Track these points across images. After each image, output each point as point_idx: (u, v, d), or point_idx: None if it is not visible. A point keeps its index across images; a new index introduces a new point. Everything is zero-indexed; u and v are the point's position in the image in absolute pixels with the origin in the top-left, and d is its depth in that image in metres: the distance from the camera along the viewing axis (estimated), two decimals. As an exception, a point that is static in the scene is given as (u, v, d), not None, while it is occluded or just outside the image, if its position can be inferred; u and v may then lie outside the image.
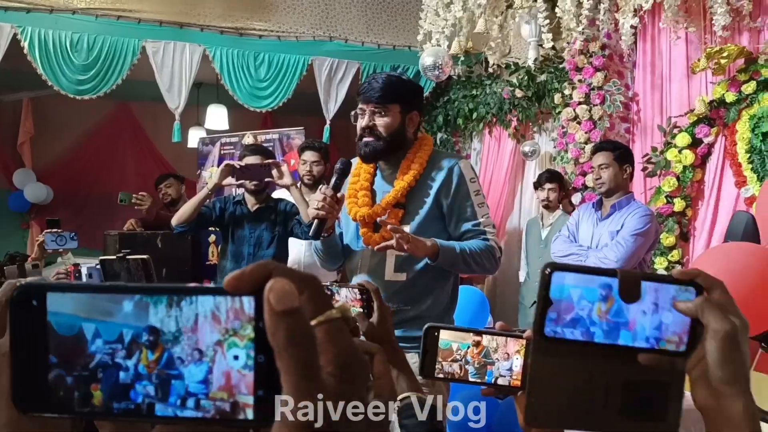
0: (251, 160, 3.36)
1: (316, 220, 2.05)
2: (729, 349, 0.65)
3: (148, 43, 5.12)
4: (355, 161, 2.27)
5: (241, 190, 3.39)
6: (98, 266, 3.07)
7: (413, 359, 1.87)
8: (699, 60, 3.96)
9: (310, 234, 2.09)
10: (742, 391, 0.66)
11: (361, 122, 2.15)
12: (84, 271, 3.14)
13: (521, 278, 4.90)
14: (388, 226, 2.00)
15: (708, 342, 0.65)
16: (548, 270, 0.67)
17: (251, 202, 3.38)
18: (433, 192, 2.15)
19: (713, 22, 3.57)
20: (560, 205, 4.68)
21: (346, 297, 1.34)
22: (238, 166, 3.12)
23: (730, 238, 3.25)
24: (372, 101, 2.13)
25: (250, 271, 0.43)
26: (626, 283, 0.66)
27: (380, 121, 2.13)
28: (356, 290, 1.33)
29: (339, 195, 2.06)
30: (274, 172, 3.11)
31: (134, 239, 4.85)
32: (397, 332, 2.01)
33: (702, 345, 0.66)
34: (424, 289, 2.16)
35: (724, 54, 3.78)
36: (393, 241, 1.97)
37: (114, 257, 2.46)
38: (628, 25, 3.93)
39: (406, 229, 2.10)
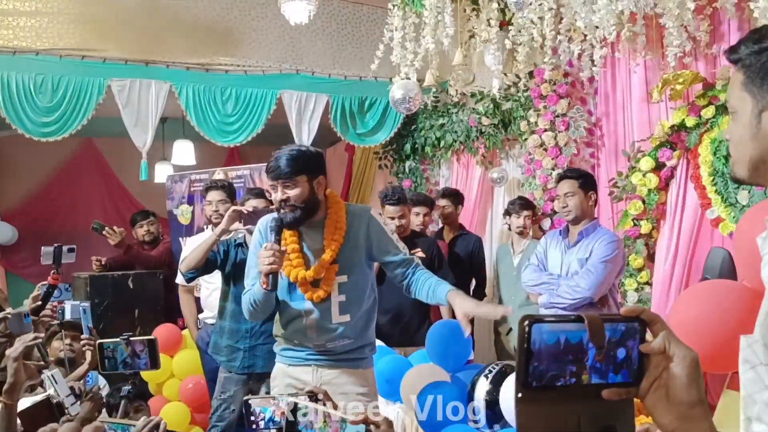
0: (256, 203, 3.40)
1: (271, 275, 2.33)
2: (695, 373, 0.74)
3: (113, 81, 5.09)
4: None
5: (241, 234, 3.40)
6: (82, 306, 3.01)
7: (360, 373, 2.49)
8: (657, 86, 4.07)
9: (270, 288, 2.35)
10: (706, 412, 0.75)
11: (276, 196, 2.43)
12: (68, 308, 3.08)
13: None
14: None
15: (675, 369, 0.74)
16: (527, 323, 0.72)
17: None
18: (361, 243, 2.49)
19: (666, 51, 3.68)
20: (530, 233, 4.73)
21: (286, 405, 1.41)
22: (245, 211, 3.15)
23: (708, 274, 3.33)
24: (281, 178, 2.40)
25: None
26: (594, 329, 0.73)
27: (292, 194, 2.39)
28: (306, 398, 1.41)
29: (282, 249, 2.38)
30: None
31: (105, 281, 4.80)
32: (340, 359, 2.50)
33: (653, 374, 0.75)
34: (364, 323, 2.55)
35: (680, 80, 3.90)
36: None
37: (118, 340, 2.39)
38: (597, 56, 4.03)
39: (343, 278, 2.46)
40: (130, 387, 2.36)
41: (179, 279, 4.03)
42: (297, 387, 2.53)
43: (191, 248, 3.47)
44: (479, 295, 4.95)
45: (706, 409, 0.76)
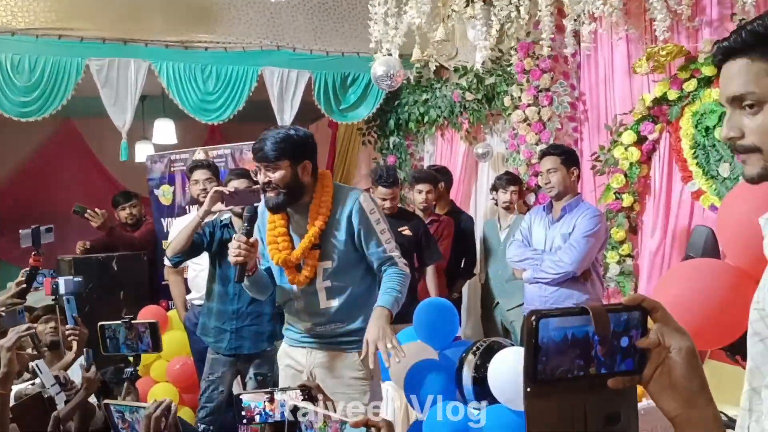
0: (238, 184, 3.37)
1: (238, 266, 2.35)
2: (693, 361, 0.75)
3: (91, 61, 5.00)
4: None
5: (227, 215, 3.37)
6: (75, 279, 3.01)
7: (353, 357, 2.44)
8: (640, 60, 4.08)
9: (235, 279, 2.40)
10: (709, 398, 0.76)
11: (259, 178, 2.45)
12: (61, 283, 3.07)
13: (481, 280, 4.96)
14: (389, 347, 2.29)
15: (673, 359, 0.75)
16: (533, 318, 0.73)
17: (238, 225, 3.38)
18: (342, 228, 2.44)
19: (653, 26, 3.67)
20: (516, 207, 4.75)
21: (285, 400, 1.41)
22: (227, 192, 3.11)
23: (691, 252, 3.37)
24: (263, 161, 2.40)
25: None
26: (598, 321, 0.74)
27: (274, 177, 2.39)
28: (298, 392, 1.41)
29: (252, 240, 2.37)
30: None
31: (89, 264, 4.77)
32: (332, 343, 2.49)
33: (655, 361, 0.75)
34: (357, 308, 2.49)
35: (664, 53, 3.91)
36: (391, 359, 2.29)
37: (119, 322, 2.40)
38: (586, 32, 4.02)
39: (327, 264, 2.45)
40: (132, 369, 2.40)
41: (167, 261, 4.02)
42: (295, 369, 2.59)
43: (177, 230, 3.45)
44: (469, 272, 4.98)
45: (709, 396, 0.77)
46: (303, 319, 2.55)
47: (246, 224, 2.40)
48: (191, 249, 3.27)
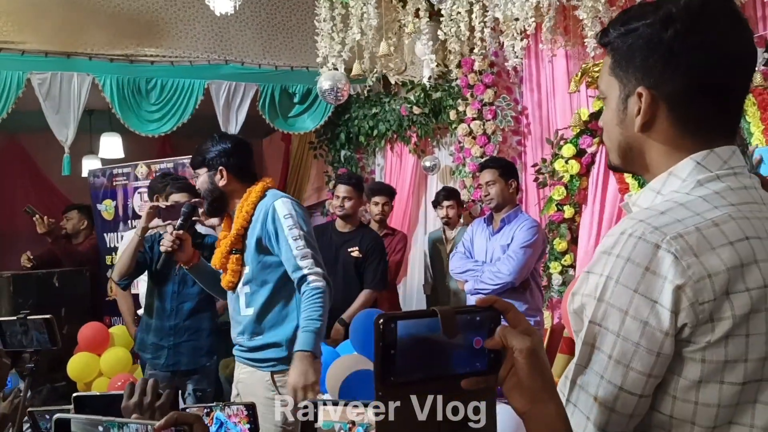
0: (179, 197, 3.33)
1: (164, 255, 2.50)
2: (533, 361, 0.77)
3: (33, 75, 4.92)
4: None
5: (164, 231, 3.34)
6: None
7: (266, 376, 2.38)
8: (576, 76, 4.19)
9: (156, 265, 2.65)
10: (553, 394, 0.80)
11: None
12: None
13: (426, 291, 5.00)
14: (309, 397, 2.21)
15: (516, 360, 0.77)
16: (381, 321, 0.73)
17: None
18: (256, 233, 2.42)
19: (585, 43, 3.79)
20: (460, 220, 4.80)
21: (229, 415, 1.39)
22: (163, 206, 3.10)
23: None
24: (193, 170, 2.56)
25: None
26: (446, 321, 0.75)
27: (197, 184, 2.53)
28: (242, 407, 1.40)
29: (182, 234, 2.48)
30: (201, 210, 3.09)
31: (29, 280, 4.68)
32: (250, 358, 2.45)
33: (509, 362, 0.78)
34: (273, 320, 2.44)
35: (597, 69, 4.02)
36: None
37: (14, 318, 2.36)
38: (518, 48, 4.11)
39: (246, 269, 2.45)
40: (32, 365, 2.35)
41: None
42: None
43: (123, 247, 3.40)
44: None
45: (553, 392, 0.80)
46: (233, 326, 2.55)
47: (181, 218, 2.51)
48: (136, 269, 3.21)
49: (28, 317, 2.28)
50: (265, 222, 2.39)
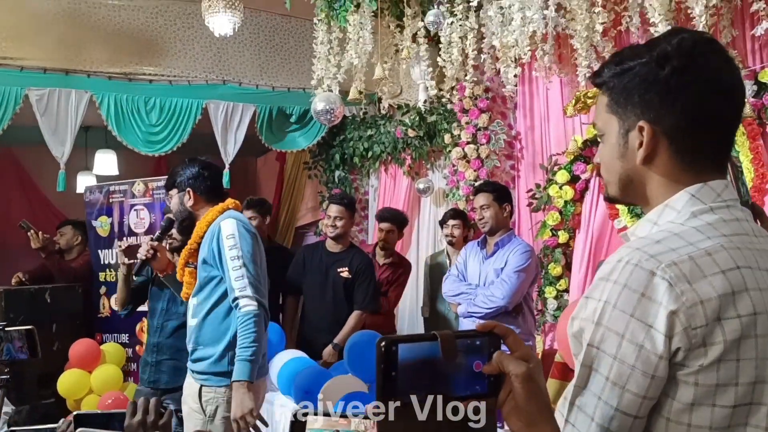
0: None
1: (140, 262, 2.79)
2: (529, 387, 0.80)
3: (31, 90, 4.95)
4: None
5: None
6: None
7: (196, 388, 2.52)
8: (570, 103, 4.25)
9: (134, 272, 2.89)
10: (549, 418, 0.83)
11: None
12: None
13: (425, 314, 4.98)
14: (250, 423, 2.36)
15: (512, 385, 0.80)
16: (383, 344, 0.76)
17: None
18: (204, 252, 2.56)
19: (577, 72, 3.85)
20: (464, 242, 4.79)
21: None
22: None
23: None
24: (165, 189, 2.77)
25: None
26: (445, 345, 0.78)
27: (171, 204, 2.72)
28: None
29: (157, 245, 2.78)
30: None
31: (21, 295, 4.66)
32: (192, 368, 2.57)
33: (507, 386, 0.81)
34: (206, 335, 2.53)
35: (590, 97, 4.09)
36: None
37: None
38: (512, 75, 4.17)
39: (195, 282, 2.62)
40: (7, 377, 2.35)
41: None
42: None
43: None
44: None
45: (549, 415, 0.83)
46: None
47: (159, 231, 2.84)
48: (136, 297, 3.30)
49: (6, 329, 2.29)
50: (212, 241, 2.51)
